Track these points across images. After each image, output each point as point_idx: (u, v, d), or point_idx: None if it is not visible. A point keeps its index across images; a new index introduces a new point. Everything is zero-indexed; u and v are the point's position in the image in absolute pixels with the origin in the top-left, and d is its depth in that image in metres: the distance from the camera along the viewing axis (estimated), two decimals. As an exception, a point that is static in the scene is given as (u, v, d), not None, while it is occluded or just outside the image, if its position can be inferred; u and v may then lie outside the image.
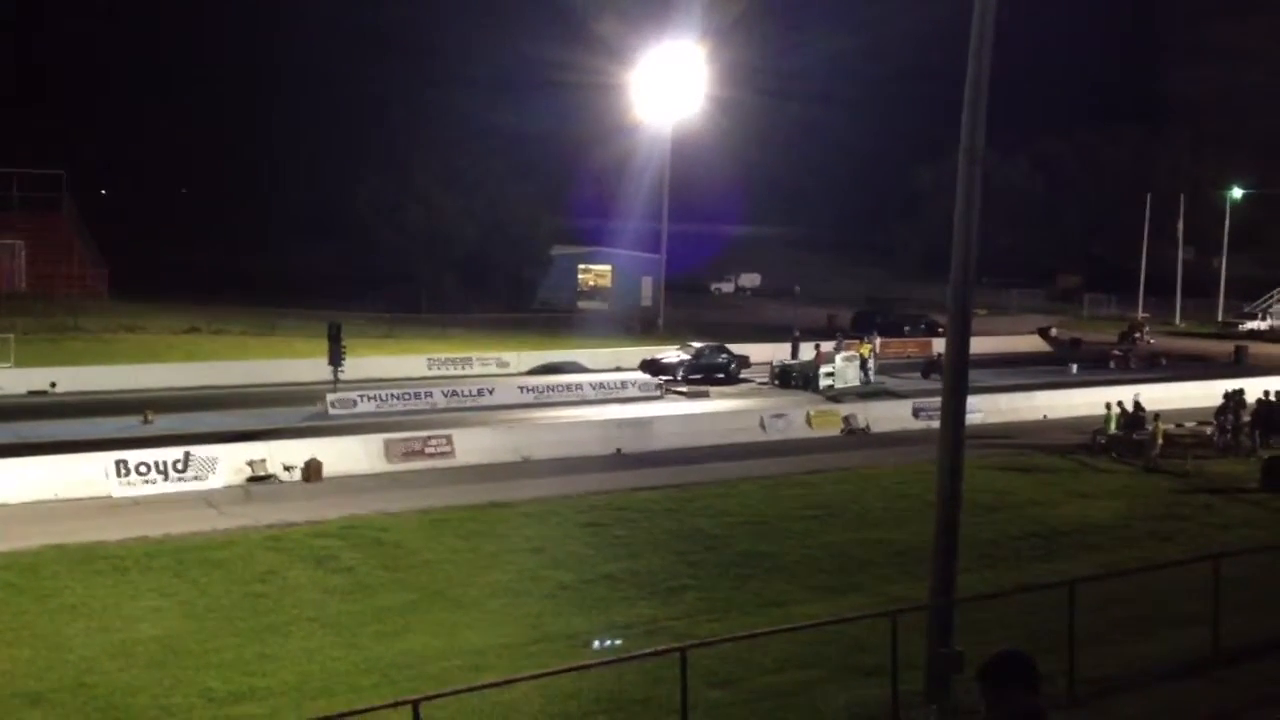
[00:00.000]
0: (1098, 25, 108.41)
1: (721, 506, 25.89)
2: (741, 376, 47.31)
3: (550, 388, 42.91)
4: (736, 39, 77.19)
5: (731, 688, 15.21)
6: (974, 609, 16.40)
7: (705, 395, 43.52)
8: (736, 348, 49.68)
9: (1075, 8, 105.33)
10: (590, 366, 48.28)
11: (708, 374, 46.54)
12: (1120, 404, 33.98)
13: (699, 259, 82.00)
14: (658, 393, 43.10)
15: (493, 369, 48.07)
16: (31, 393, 39.97)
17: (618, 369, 47.17)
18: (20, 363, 42.95)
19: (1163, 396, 38.48)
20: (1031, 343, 64.14)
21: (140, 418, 34.58)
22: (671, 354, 47.77)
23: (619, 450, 32.28)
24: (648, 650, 15.08)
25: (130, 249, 71.17)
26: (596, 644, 17.02)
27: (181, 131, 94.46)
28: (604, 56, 70.99)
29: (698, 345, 48.42)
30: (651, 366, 46.26)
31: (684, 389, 44.45)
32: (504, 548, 22.25)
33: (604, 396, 42.04)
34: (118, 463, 26.33)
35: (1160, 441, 31.92)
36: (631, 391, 42.80)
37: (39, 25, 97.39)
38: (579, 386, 42.95)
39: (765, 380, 46.89)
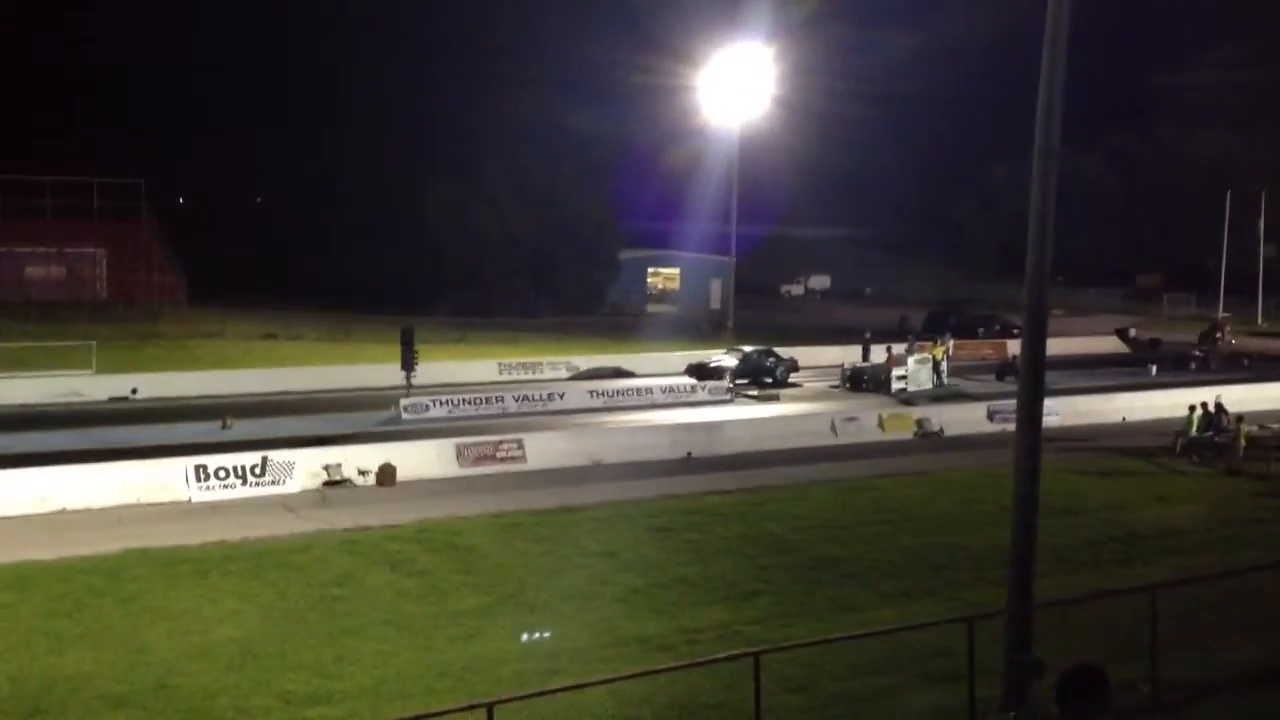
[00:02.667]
0: (1176, 19, 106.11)
1: (793, 510, 25.72)
2: (791, 380, 46.88)
3: (620, 391, 42.97)
4: (805, 39, 76.82)
5: (805, 693, 15.08)
6: (1053, 614, 16.12)
7: (776, 399, 43.30)
8: (804, 350, 49.22)
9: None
10: (657, 370, 48.19)
11: (755, 378, 46.08)
12: (1204, 405, 33.28)
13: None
14: (728, 396, 42.97)
15: (562, 373, 48.29)
16: (113, 399, 40.94)
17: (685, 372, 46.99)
18: (102, 369, 44.06)
19: (1245, 398, 37.58)
20: (1109, 344, 62.98)
21: (219, 423, 35.23)
22: (719, 358, 47.49)
23: (689, 454, 32.20)
24: (721, 655, 15.01)
25: (207, 256, 72.44)
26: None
27: (252, 137, 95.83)
28: (672, 58, 71.08)
29: (745, 349, 48.12)
30: (698, 371, 45.96)
31: (754, 392, 44.27)
32: (575, 551, 22.31)
33: (674, 400, 42.02)
34: (197, 467, 26.79)
35: (1243, 444, 31.20)
36: (701, 395, 42.72)
37: (111, 36, 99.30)
38: (649, 390, 42.96)
39: (835, 383, 46.56)
